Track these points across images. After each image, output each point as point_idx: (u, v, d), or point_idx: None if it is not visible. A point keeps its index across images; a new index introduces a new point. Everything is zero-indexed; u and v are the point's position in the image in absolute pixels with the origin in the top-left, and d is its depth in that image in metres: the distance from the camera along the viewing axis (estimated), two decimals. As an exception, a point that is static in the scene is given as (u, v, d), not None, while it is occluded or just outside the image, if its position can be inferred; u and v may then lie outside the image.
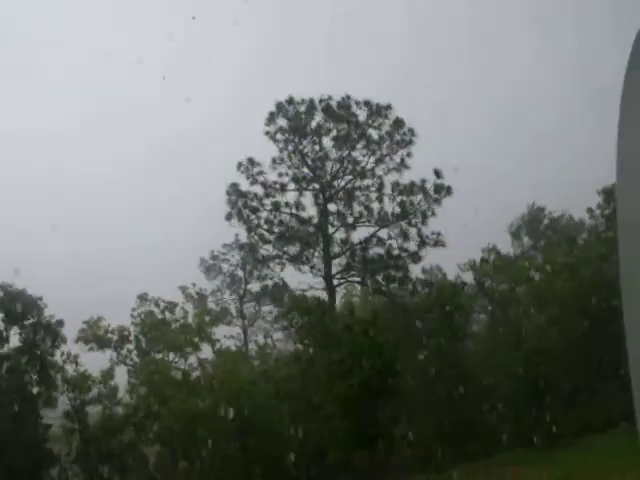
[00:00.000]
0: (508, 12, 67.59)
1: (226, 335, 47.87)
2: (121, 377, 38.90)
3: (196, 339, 43.26)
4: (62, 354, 34.92)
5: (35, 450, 30.76)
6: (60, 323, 34.69)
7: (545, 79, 64.99)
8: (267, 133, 37.38)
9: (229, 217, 37.61)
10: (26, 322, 34.13)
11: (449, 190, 36.56)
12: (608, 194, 35.54)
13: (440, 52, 65.99)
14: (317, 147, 37.93)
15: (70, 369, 35.01)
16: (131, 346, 45.27)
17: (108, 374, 35.95)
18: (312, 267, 37.61)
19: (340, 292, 40.82)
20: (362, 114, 37.67)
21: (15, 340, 33.86)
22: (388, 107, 37.50)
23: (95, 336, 46.01)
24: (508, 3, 65.70)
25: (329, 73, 55.59)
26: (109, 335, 46.22)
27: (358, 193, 37.59)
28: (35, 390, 33.59)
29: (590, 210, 37.82)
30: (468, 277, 35.24)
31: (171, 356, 43.26)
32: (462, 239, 39.74)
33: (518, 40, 70.80)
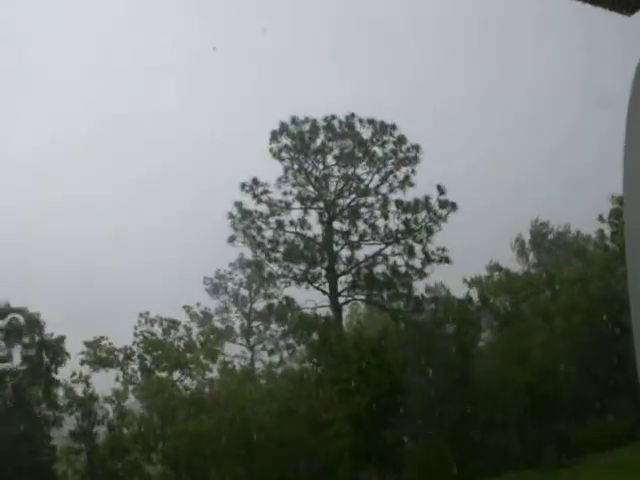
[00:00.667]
0: (513, 24, 68.15)
1: (231, 354, 47.92)
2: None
3: (201, 357, 43.14)
4: (73, 374, 34.86)
5: (41, 471, 30.58)
6: (61, 340, 34.51)
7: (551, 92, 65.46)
8: (271, 151, 37.55)
9: (232, 239, 37.71)
10: (27, 339, 34.06)
11: (454, 206, 36.63)
12: (621, 202, 35.33)
13: (443, 63, 66.47)
14: (321, 165, 38.05)
15: (79, 389, 34.94)
16: (135, 366, 45.17)
17: (121, 394, 35.68)
18: (318, 285, 37.59)
19: (346, 310, 40.84)
20: (366, 132, 37.87)
21: (17, 358, 33.85)
22: (393, 126, 37.69)
23: (98, 357, 45.93)
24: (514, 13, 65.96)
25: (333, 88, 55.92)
26: (115, 354, 46.15)
27: (363, 211, 37.64)
28: (40, 409, 33.42)
29: (601, 218, 37.28)
30: (473, 294, 35.26)
31: (176, 375, 43.14)
32: (467, 256, 39.89)
33: (522, 51, 71.43)
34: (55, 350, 34.49)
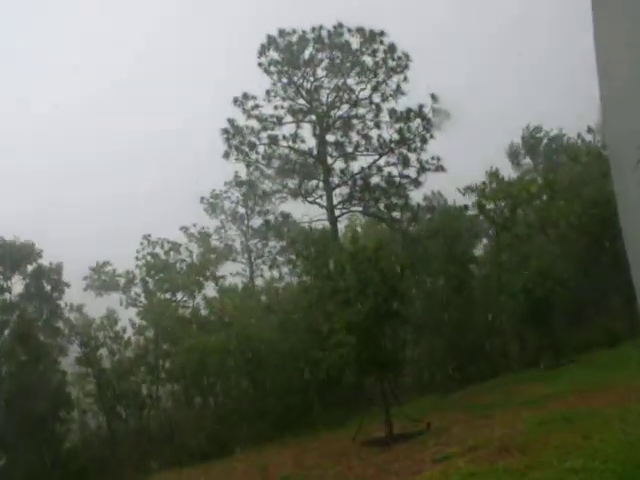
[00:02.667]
0: None
1: (232, 272, 48.26)
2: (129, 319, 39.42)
3: (200, 278, 43.54)
4: (65, 305, 34.98)
5: (55, 395, 31.24)
6: (60, 267, 34.54)
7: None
8: (260, 65, 36.77)
9: (227, 155, 37.24)
10: (25, 269, 34.05)
11: (447, 114, 36.13)
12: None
13: None
14: (311, 78, 37.33)
15: (72, 317, 35.20)
16: (138, 289, 45.66)
17: (111, 319, 35.93)
18: (313, 199, 37.49)
19: (343, 222, 40.84)
20: (355, 42, 36.99)
21: (17, 288, 33.89)
22: (381, 33, 36.77)
23: (102, 281, 46.45)
24: None
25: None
26: (116, 279, 46.61)
27: (355, 122, 37.11)
28: (45, 337, 33.78)
29: (590, 129, 37.50)
30: (469, 201, 35.16)
31: (179, 296, 43.66)
32: (463, 164, 39.60)
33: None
34: (55, 277, 34.48)
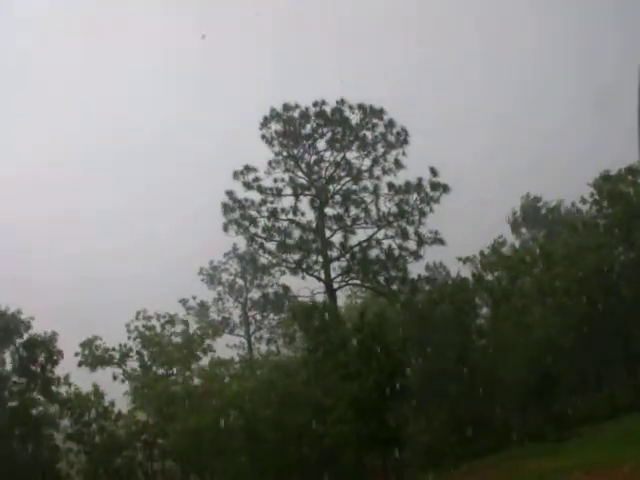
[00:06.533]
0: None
1: (229, 344, 47.76)
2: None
3: (198, 352, 42.94)
4: (57, 378, 34.28)
5: (46, 471, 30.43)
6: (54, 336, 33.93)
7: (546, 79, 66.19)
8: (263, 137, 37.39)
9: (226, 228, 37.43)
10: (18, 340, 33.44)
11: (445, 188, 36.56)
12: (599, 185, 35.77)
13: (443, 53, 66.87)
14: (312, 151, 37.92)
15: (63, 390, 34.50)
16: (134, 364, 44.90)
17: (97, 394, 35.18)
18: (312, 273, 37.42)
19: (341, 295, 40.74)
20: (356, 118, 37.75)
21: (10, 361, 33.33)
22: (381, 110, 37.65)
23: (94, 357, 45.62)
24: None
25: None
26: (109, 353, 45.84)
27: (354, 196, 37.51)
28: (37, 411, 33.01)
29: (583, 200, 38.02)
30: (469, 272, 35.32)
31: (175, 369, 42.93)
32: (466, 235, 39.95)
33: (520, 41, 72.09)
34: (49, 348, 33.89)
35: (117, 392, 38.03)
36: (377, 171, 37.48)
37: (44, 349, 33.55)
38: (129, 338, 44.81)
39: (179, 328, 45.98)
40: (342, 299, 43.82)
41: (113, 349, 45.44)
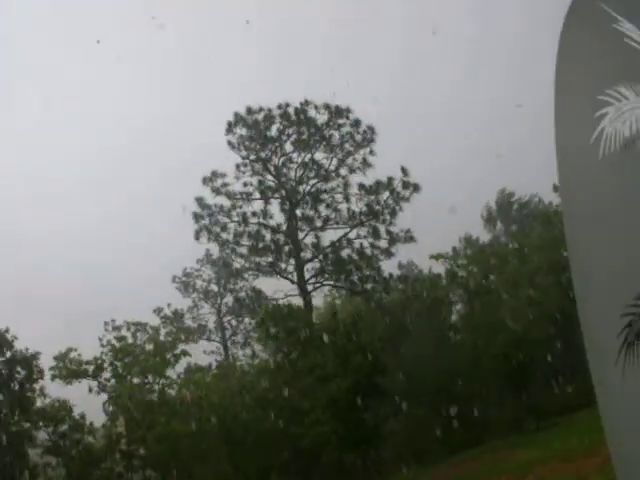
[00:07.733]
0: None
1: (206, 351, 47.38)
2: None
3: (170, 358, 42.56)
4: (34, 391, 33.87)
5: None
6: (36, 356, 33.60)
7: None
8: (229, 143, 37.26)
9: (197, 236, 37.27)
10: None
11: (416, 187, 36.69)
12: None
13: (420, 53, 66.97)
14: (279, 153, 37.83)
15: (39, 402, 34.08)
16: (108, 374, 44.39)
17: (67, 407, 34.74)
18: (285, 275, 37.32)
19: (316, 296, 40.58)
20: (322, 118, 37.77)
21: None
22: (347, 110, 37.66)
23: (69, 370, 44.99)
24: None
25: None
26: (84, 367, 45.27)
27: (324, 196, 37.50)
28: (16, 428, 32.55)
29: (555, 187, 38.14)
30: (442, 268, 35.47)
31: (150, 378, 42.50)
32: (440, 231, 40.08)
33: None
34: (29, 366, 33.51)
35: (97, 404, 37.47)
36: (344, 171, 37.60)
37: (25, 365, 33.17)
38: (101, 353, 44.33)
39: (150, 336, 45.61)
40: (319, 300, 43.67)
41: (87, 362, 44.93)
